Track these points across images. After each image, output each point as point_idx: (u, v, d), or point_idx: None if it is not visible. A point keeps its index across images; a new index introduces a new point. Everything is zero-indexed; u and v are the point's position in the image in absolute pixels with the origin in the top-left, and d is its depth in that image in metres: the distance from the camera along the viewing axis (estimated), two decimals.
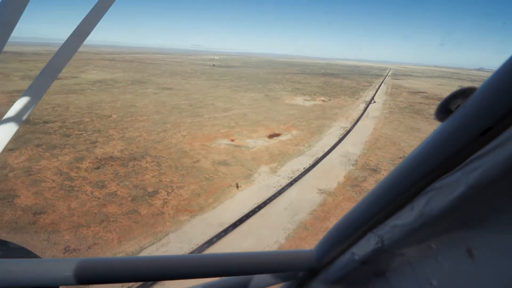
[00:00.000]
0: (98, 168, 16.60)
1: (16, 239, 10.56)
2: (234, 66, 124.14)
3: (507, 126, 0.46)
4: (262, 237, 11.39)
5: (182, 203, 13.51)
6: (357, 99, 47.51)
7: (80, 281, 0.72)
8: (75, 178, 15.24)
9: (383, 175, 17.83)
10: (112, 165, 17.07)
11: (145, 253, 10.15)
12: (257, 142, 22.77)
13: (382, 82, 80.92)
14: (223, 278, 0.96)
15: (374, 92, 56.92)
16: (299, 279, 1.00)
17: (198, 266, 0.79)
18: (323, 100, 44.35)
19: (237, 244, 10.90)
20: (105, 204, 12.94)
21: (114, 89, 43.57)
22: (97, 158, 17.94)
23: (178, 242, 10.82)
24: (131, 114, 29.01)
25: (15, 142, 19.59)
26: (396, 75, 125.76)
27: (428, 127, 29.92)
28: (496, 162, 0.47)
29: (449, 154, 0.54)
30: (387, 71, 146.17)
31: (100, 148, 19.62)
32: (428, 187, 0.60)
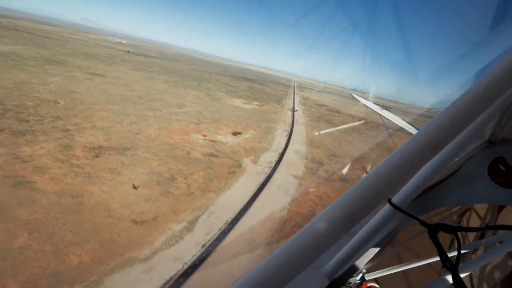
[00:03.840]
0: (98, 156, 16.76)
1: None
2: (152, 56, 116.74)
3: None
4: (272, 207, 15.86)
5: (202, 185, 16.29)
6: (283, 106, 56.45)
7: None
8: (82, 165, 15.30)
9: (325, 165, 25.05)
10: (110, 154, 17.44)
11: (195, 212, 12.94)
12: (227, 139, 26.38)
13: (294, 93, 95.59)
14: None
15: (292, 102, 68.07)
16: None
17: None
18: (257, 105, 50.75)
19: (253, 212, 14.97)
20: (137, 188, 14.34)
21: (29, 68, 36.57)
22: (88, 146, 17.66)
23: (212, 216, 14.03)
24: (80, 102, 26.81)
25: None
26: (299, 87, 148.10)
27: (339, 134, 40.54)
28: None
29: None
30: (293, 83, 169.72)
31: (80, 137, 18.94)
32: None
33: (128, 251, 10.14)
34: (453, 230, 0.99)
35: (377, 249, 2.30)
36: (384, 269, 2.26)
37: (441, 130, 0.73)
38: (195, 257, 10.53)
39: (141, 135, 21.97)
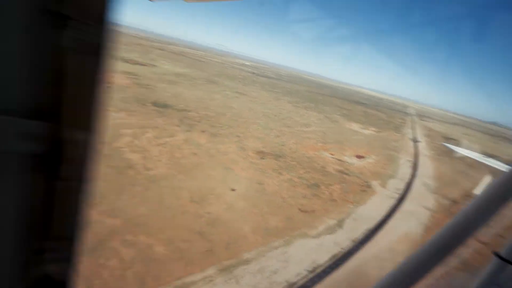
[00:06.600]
0: (263, 158, 22.82)
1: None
2: (271, 77, 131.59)
3: None
4: (409, 229, 17.45)
5: (341, 196, 19.67)
6: (402, 135, 53.94)
7: None
8: (256, 163, 21.45)
9: (460, 204, 23.91)
10: (270, 158, 23.29)
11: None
12: (352, 160, 28.97)
13: (413, 121, 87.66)
14: None
15: (412, 131, 63.45)
16: None
17: None
18: (374, 131, 50.71)
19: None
20: (295, 186, 19.13)
21: (200, 86, 50.16)
22: (254, 150, 24.19)
23: (345, 233, 16.93)
24: (238, 116, 35.38)
25: (181, 124, 25.90)
26: (419, 115, 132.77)
27: (471, 171, 36.07)
28: None
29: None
30: (409, 109, 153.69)
31: (247, 142, 25.89)
32: None
33: (302, 228, 14.51)
34: None
35: None
36: None
37: None
38: (349, 247, 13.90)
39: (285, 146, 27.50)
